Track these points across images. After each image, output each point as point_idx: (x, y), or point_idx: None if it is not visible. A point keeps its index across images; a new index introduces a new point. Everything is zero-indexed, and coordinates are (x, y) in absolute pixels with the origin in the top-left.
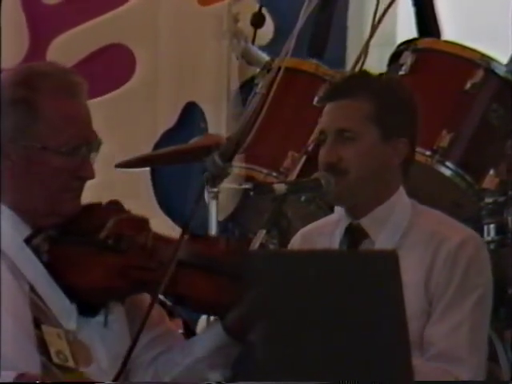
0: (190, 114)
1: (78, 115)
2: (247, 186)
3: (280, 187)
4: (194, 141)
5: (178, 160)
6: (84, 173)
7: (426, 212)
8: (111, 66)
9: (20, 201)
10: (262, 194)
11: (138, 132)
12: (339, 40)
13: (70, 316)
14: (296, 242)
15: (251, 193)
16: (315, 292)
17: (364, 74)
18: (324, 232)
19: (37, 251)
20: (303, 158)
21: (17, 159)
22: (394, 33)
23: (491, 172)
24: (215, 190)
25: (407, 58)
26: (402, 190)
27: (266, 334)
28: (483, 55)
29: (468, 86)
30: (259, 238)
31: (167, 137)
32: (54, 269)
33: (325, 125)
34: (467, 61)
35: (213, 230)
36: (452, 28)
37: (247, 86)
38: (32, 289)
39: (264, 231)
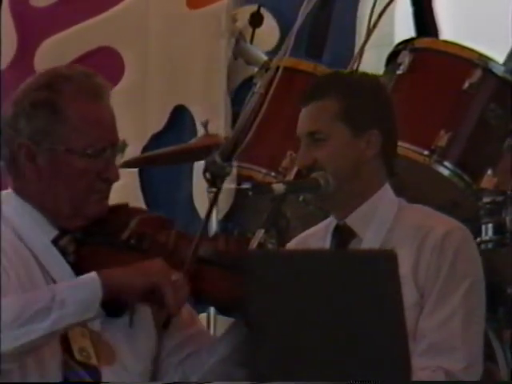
0: (179, 117)
1: (102, 117)
2: (246, 185)
3: (279, 187)
4: (194, 141)
5: (178, 160)
6: (109, 175)
7: (413, 207)
8: (100, 68)
9: (46, 202)
10: (261, 193)
11: (127, 135)
12: (348, 40)
13: None
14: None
15: (250, 193)
16: (314, 292)
17: (333, 74)
18: (317, 237)
19: (63, 252)
20: None
21: (42, 162)
22: (392, 33)
23: (489, 172)
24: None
25: (405, 58)
26: (387, 187)
27: (265, 333)
28: (481, 55)
29: (466, 85)
30: (258, 237)
31: (156, 139)
32: (80, 269)
33: (298, 130)
34: (465, 60)
35: (213, 229)
36: (450, 28)
37: (246, 86)
38: None
39: (263, 231)
